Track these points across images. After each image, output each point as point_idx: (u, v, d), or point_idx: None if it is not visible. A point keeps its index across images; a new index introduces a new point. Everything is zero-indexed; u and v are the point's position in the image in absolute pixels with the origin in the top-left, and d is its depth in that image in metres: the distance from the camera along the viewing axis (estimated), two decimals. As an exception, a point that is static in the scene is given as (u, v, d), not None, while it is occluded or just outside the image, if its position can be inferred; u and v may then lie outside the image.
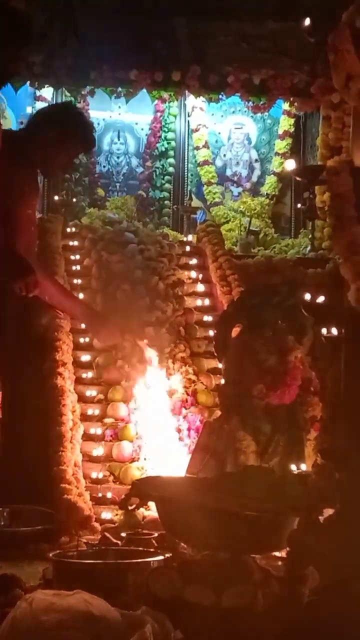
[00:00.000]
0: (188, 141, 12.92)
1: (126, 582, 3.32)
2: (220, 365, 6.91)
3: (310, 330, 6.22)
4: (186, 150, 12.94)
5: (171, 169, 12.92)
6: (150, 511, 5.77)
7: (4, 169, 4.25)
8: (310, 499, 3.14)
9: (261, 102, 11.65)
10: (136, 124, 13.07)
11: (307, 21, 11.42)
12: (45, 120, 4.67)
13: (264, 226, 12.25)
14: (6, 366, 5.17)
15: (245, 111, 12.77)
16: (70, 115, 4.74)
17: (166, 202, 12.87)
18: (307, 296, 8.44)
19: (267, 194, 12.84)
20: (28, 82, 11.11)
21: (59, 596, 2.78)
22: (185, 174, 12.94)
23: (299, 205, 12.27)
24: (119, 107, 12.61)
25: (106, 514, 6.24)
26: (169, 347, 7.89)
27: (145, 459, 6.84)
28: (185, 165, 12.94)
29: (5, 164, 4.27)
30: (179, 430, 7.07)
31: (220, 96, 11.66)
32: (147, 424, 6.99)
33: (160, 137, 12.94)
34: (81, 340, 7.84)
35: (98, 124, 12.59)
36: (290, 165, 11.63)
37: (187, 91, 11.66)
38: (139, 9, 11.56)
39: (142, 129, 13.06)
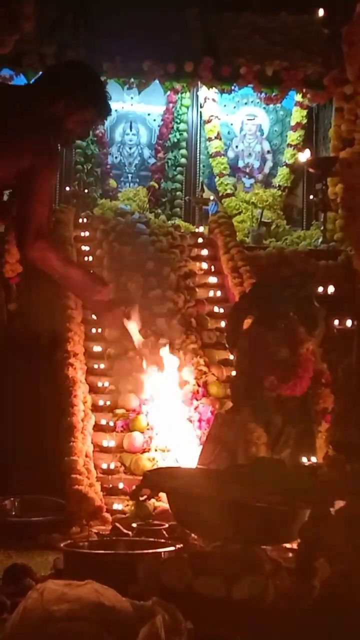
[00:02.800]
0: (200, 132, 12.91)
1: (137, 573, 3.32)
2: (231, 357, 6.91)
3: (321, 322, 6.21)
4: (198, 142, 12.93)
5: (183, 160, 12.90)
6: (161, 502, 5.78)
7: (21, 131, 4.19)
8: (321, 491, 3.14)
9: (274, 94, 11.66)
10: (148, 115, 13.06)
11: (321, 12, 11.41)
12: (60, 80, 4.48)
13: (276, 218, 12.23)
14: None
15: (258, 102, 12.76)
16: (87, 80, 4.58)
17: (178, 193, 12.86)
18: (319, 288, 8.43)
19: (279, 185, 12.82)
20: (41, 73, 11.08)
21: (70, 586, 2.78)
22: (197, 165, 12.92)
23: (311, 197, 12.27)
24: (132, 98, 12.61)
25: (117, 505, 6.24)
26: (180, 339, 7.89)
27: (156, 449, 6.84)
28: (198, 157, 12.93)
29: (21, 125, 4.21)
30: (190, 422, 7.06)
31: (232, 87, 11.66)
32: (158, 415, 6.99)
33: (172, 128, 12.92)
34: (93, 330, 7.85)
35: (110, 115, 12.55)
36: (305, 156, 11.60)
37: (199, 82, 11.67)
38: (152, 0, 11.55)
39: (155, 120, 13.05)
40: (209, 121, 12.79)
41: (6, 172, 4.17)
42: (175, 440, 6.77)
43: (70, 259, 4.65)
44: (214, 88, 11.87)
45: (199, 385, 7.51)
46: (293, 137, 12.85)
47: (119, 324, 4.90)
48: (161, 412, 6.94)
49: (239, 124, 13.14)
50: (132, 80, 11.36)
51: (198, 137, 12.93)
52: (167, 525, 4.79)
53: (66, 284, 4.70)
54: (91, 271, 4.76)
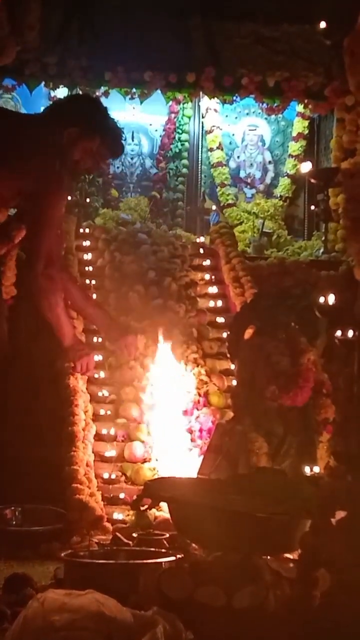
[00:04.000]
0: (202, 142, 12.93)
1: (137, 583, 3.32)
2: (232, 367, 6.91)
3: (323, 333, 6.22)
4: (200, 152, 12.95)
5: (185, 170, 12.92)
6: (162, 512, 5.78)
7: (27, 157, 4.20)
8: (322, 501, 3.14)
9: (275, 104, 11.66)
10: (150, 125, 13.08)
11: (323, 23, 11.43)
12: (69, 109, 4.50)
13: (277, 228, 12.23)
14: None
15: (259, 113, 12.78)
16: (98, 110, 4.60)
17: (179, 203, 12.88)
18: (320, 298, 8.43)
19: (280, 195, 12.84)
20: (43, 83, 11.12)
21: (71, 596, 2.78)
22: (199, 175, 12.94)
23: (312, 208, 12.27)
24: (133, 108, 12.62)
25: (118, 515, 6.24)
26: (181, 349, 7.90)
27: (157, 459, 6.84)
28: (199, 167, 12.94)
29: (28, 151, 4.22)
30: (190, 431, 7.06)
31: (234, 98, 11.66)
32: (159, 425, 6.99)
33: (174, 138, 12.94)
34: (94, 340, 7.85)
35: (118, 122, 12.58)
36: (306, 167, 11.61)
37: (201, 92, 11.67)
38: (154, 9, 11.56)
39: (156, 130, 13.07)
40: (210, 131, 12.81)
41: (6, 193, 4.17)
42: (175, 450, 6.77)
43: (68, 313, 4.68)
44: (215, 98, 11.88)
45: (200, 395, 7.51)
46: (294, 147, 12.86)
47: (132, 349, 4.95)
48: (161, 422, 6.95)
49: (240, 134, 13.16)
50: (134, 90, 11.35)
51: (200, 147, 12.94)
52: (167, 535, 4.80)
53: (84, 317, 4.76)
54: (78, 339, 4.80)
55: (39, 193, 4.15)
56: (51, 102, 4.76)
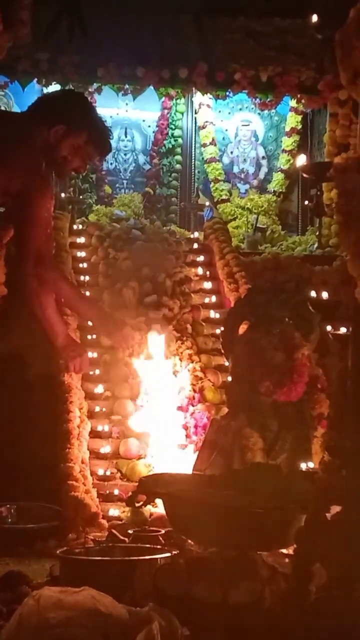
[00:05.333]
0: (195, 138, 12.93)
1: (133, 579, 3.32)
2: (227, 363, 6.90)
3: (317, 328, 6.21)
4: (193, 148, 12.95)
5: (178, 166, 12.92)
6: (157, 508, 5.78)
7: (12, 155, 4.17)
8: (317, 496, 3.14)
9: (268, 99, 11.67)
10: (143, 121, 13.07)
11: (315, 18, 11.42)
12: (54, 106, 4.47)
13: (271, 223, 12.24)
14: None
15: (252, 108, 12.78)
16: (84, 106, 4.57)
17: (173, 199, 12.89)
18: (314, 293, 8.43)
19: (274, 191, 12.85)
20: (35, 79, 11.11)
21: (66, 593, 2.78)
22: (192, 171, 12.94)
23: (306, 203, 12.27)
24: (126, 104, 12.63)
25: (113, 511, 6.24)
26: (175, 345, 7.90)
27: (152, 456, 6.83)
28: (192, 163, 12.94)
29: (13, 149, 4.19)
30: (185, 428, 7.06)
31: (227, 93, 11.66)
32: (154, 421, 6.98)
33: (167, 134, 12.94)
34: (88, 337, 7.85)
35: (105, 121, 12.57)
36: (301, 161, 11.61)
37: (194, 88, 11.66)
38: (146, 5, 11.56)
39: (149, 126, 13.07)
40: (203, 127, 12.80)
41: None
42: (170, 446, 6.77)
43: (60, 312, 4.67)
44: (208, 94, 11.87)
45: (194, 391, 7.51)
46: (288, 142, 12.86)
47: (128, 342, 4.94)
48: (156, 418, 6.94)
49: (233, 129, 13.16)
50: (126, 86, 11.36)
51: (193, 143, 12.95)
52: (163, 532, 4.79)
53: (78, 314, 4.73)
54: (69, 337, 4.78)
55: (25, 192, 4.13)
56: (36, 99, 4.67)
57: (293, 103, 12.43)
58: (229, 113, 13.10)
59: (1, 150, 4.14)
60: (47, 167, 4.29)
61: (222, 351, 6.86)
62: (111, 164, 12.96)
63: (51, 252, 4.50)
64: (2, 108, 12.21)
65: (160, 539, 4.68)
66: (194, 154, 12.95)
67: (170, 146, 12.97)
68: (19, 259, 4.22)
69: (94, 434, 7.05)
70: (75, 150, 4.37)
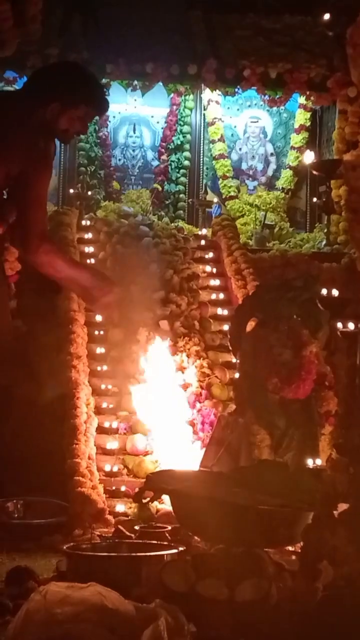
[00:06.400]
0: (204, 134, 12.91)
1: (140, 575, 3.31)
2: (234, 359, 6.90)
3: (325, 325, 6.21)
4: (202, 144, 12.93)
5: (186, 163, 12.90)
6: (164, 504, 5.78)
7: (11, 138, 4.16)
8: (324, 493, 3.14)
9: (277, 96, 11.64)
10: (152, 117, 13.06)
11: (326, 15, 11.41)
12: (48, 83, 4.43)
13: (279, 220, 12.23)
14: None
15: (261, 105, 12.76)
16: (77, 78, 4.54)
17: (181, 195, 12.87)
18: (323, 290, 8.42)
19: (282, 188, 12.83)
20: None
21: (73, 588, 2.77)
22: (201, 167, 12.92)
23: (314, 200, 12.26)
24: (135, 100, 12.61)
25: (120, 507, 6.24)
26: (183, 341, 7.89)
27: (159, 452, 6.83)
28: (201, 159, 12.93)
29: (11, 132, 4.18)
30: (193, 424, 7.06)
31: (236, 89, 11.64)
32: (161, 417, 6.98)
33: (175, 130, 12.92)
34: (96, 333, 7.85)
35: (114, 117, 12.61)
36: (309, 157, 11.60)
37: (203, 84, 11.65)
38: (155, 2, 11.55)
39: (158, 122, 13.05)
40: (212, 123, 12.78)
41: None
42: (177, 442, 6.77)
43: (75, 260, 4.62)
44: (217, 90, 11.86)
45: (202, 388, 7.51)
46: (297, 139, 12.84)
47: (109, 309, 4.92)
48: (163, 414, 6.94)
49: (242, 126, 13.14)
50: (135, 82, 11.35)
51: (201, 139, 12.93)
52: (169, 528, 4.79)
53: (72, 286, 4.67)
54: (97, 271, 4.72)
55: (26, 174, 4.13)
56: (30, 76, 4.61)
57: (302, 100, 12.41)
58: (238, 110, 13.09)
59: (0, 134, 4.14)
60: (47, 144, 4.28)
61: (230, 348, 6.86)
62: (119, 160, 12.97)
63: (46, 228, 4.50)
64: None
65: (167, 535, 4.68)
66: (203, 150, 12.94)
67: (179, 142, 12.95)
68: (24, 239, 4.23)
69: (101, 430, 7.05)
70: (75, 119, 4.35)
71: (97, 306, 4.77)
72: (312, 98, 11.82)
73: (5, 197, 4.28)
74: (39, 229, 4.21)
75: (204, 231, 10.62)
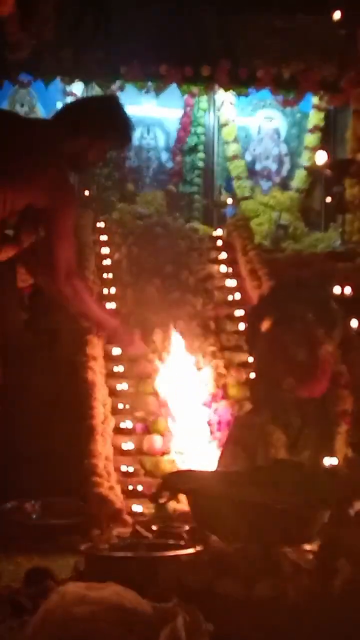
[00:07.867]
0: (218, 135, 12.92)
1: (157, 575, 3.32)
2: (250, 359, 6.90)
3: (340, 324, 6.20)
4: (216, 145, 12.95)
5: (201, 164, 12.92)
6: (181, 504, 5.79)
7: (39, 171, 4.18)
8: (341, 492, 3.15)
9: (291, 96, 11.65)
10: (166, 118, 13.08)
11: (338, 14, 11.40)
12: (85, 118, 4.48)
13: (294, 220, 12.23)
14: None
15: (275, 105, 12.76)
16: (114, 115, 4.60)
17: (196, 196, 12.89)
18: (337, 290, 8.42)
19: (297, 188, 12.82)
20: (58, 77, 11.14)
21: (91, 588, 2.78)
22: (215, 168, 12.94)
23: (328, 199, 12.25)
24: (149, 101, 12.63)
25: (137, 507, 6.24)
26: (198, 342, 7.90)
27: (176, 452, 6.84)
28: (215, 160, 12.94)
29: (39, 164, 4.20)
30: (209, 424, 7.06)
31: (249, 90, 11.65)
32: (178, 418, 6.99)
33: (189, 131, 12.95)
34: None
35: (128, 116, 12.61)
36: (321, 156, 11.60)
37: (216, 85, 11.66)
38: (169, 2, 11.56)
39: (172, 124, 13.06)
40: (226, 124, 12.80)
41: (18, 202, 4.16)
42: (194, 442, 6.78)
43: (99, 302, 4.73)
44: (231, 91, 11.87)
45: (218, 388, 7.51)
46: (310, 139, 12.84)
47: (140, 349, 5.00)
48: (180, 415, 6.95)
49: (256, 127, 13.16)
50: (149, 83, 11.38)
51: (215, 140, 12.94)
52: (187, 528, 4.80)
53: (97, 326, 4.78)
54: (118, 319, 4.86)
55: (54, 207, 4.15)
56: (60, 107, 4.68)
57: (316, 100, 12.42)
58: (252, 110, 13.10)
59: (30, 164, 4.15)
60: (72, 179, 4.35)
61: (246, 347, 6.86)
62: (134, 162, 12.99)
63: (76, 262, 4.53)
64: (25, 108, 12.28)
65: (184, 535, 4.69)
66: (217, 151, 12.95)
67: (193, 144, 12.97)
68: (51, 271, 4.26)
69: (118, 430, 7.06)
70: (100, 152, 4.40)
71: (124, 349, 4.93)
72: (325, 98, 11.82)
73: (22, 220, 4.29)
74: (65, 262, 4.23)
75: (219, 232, 10.63)
